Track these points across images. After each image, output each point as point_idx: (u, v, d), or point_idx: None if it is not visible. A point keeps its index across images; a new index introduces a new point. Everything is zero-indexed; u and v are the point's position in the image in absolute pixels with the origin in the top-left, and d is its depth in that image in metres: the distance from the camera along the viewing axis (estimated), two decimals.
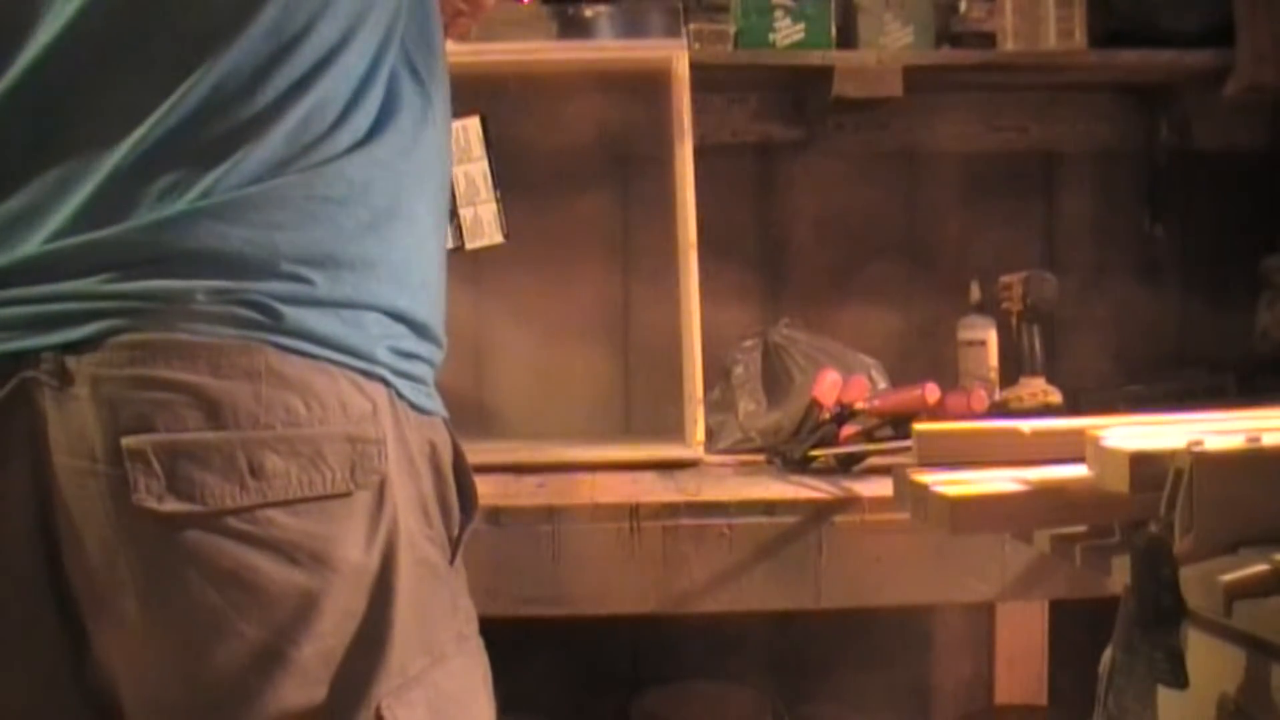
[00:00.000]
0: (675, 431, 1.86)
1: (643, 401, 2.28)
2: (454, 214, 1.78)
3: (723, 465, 1.86)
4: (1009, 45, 2.13)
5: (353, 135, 1.02)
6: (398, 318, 1.03)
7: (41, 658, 0.97)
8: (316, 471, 0.95)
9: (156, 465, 0.92)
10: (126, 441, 0.92)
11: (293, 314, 0.96)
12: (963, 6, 2.19)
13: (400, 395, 1.02)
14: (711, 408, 1.99)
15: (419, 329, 1.06)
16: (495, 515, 1.49)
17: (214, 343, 0.94)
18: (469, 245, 1.81)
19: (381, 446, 0.99)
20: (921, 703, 2.39)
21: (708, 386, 2.02)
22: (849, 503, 1.53)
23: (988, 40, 2.16)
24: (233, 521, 0.93)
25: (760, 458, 1.84)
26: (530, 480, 1.69)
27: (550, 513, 1.50)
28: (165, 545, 0.93)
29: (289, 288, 0.97)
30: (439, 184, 1.12)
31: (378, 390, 1.00)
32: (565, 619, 1.53)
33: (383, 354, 1.01)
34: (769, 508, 1.53)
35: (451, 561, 1.07)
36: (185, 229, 0.95)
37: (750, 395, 2.03)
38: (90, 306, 0.94)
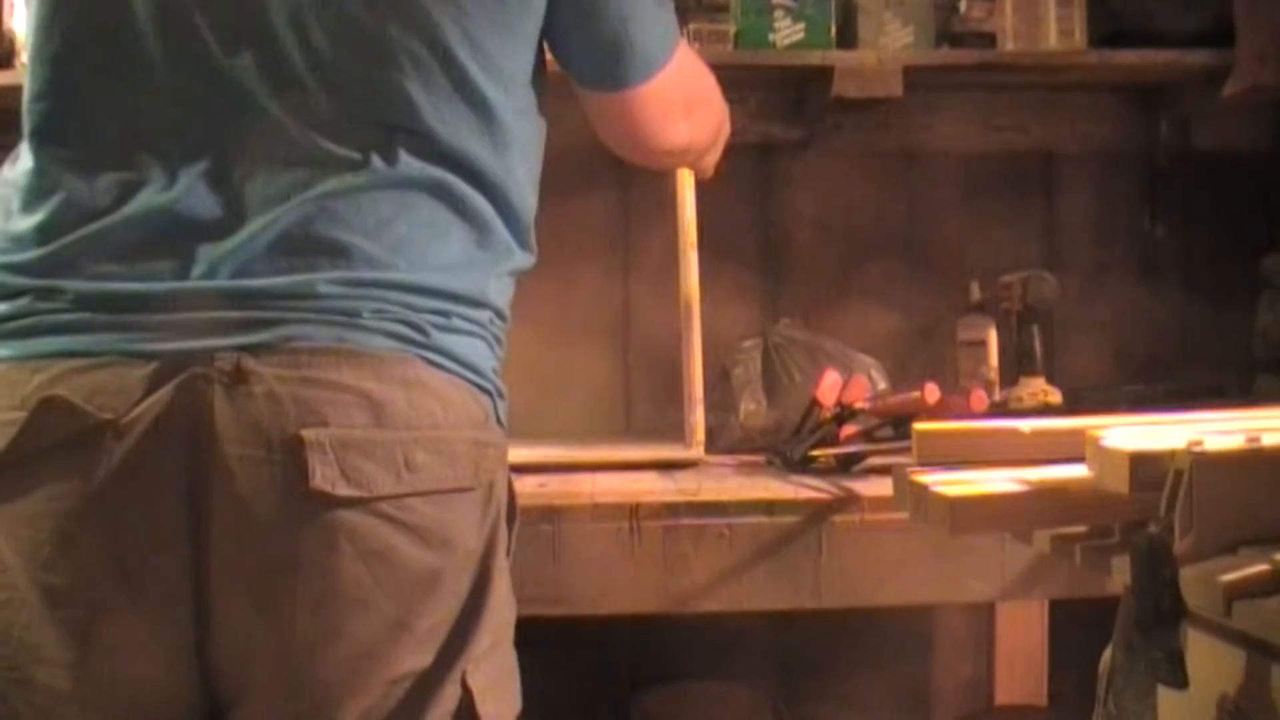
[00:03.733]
0: (675, 431, 1.86)
1: (643, 401, 2.28)
2: None
3: (723, 465, 1.86)
4: (1009, 45, 2.13)
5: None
6: (495, 344, 1.21)
7: (171, 632, 1.05)
8: (451, 467, 1.11)
9: (331, 455, 1.05)
10: (306, 434, 1.05)
11: (437, 335, 1.13)
12: (963, 6, 2.19)
13: (496, 410, 1.20)
14: (711, 408, 1.99)
15: (504, 349, 1.24)
16: None
17: (376, 354, 1.10)
18: None
19: (495, 450, 1.16)
20: (921, 703, 2.39)
21: (708, 386, 2.02)
22: (849, 503, 1.53)
23: (988, 40, 2.16)
24: (386, 507, 1.07)
25: (760, 458, 1.84)
26: (530, 480, 1.68)
27: (550, 513, 1.50)
28: (330, 524, 1.05)
29: (433, 315, 1.14)
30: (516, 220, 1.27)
31: (487, 403, 1.18)
32: (565, 619, 1.53)
33: (489, 373, 1.19)
34: (769, 508, 1.53)
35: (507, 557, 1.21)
36: (360, 261, 1.12)
37: (750, 395, 2.03)
38: (269, 315, 1.08)
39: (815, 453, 1.74)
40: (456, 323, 1.16)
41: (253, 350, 1.06)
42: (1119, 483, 0.96)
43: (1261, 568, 0.85)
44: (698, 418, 1.82)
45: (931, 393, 1.66)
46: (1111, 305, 2.37)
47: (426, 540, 1.09)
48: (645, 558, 1.50)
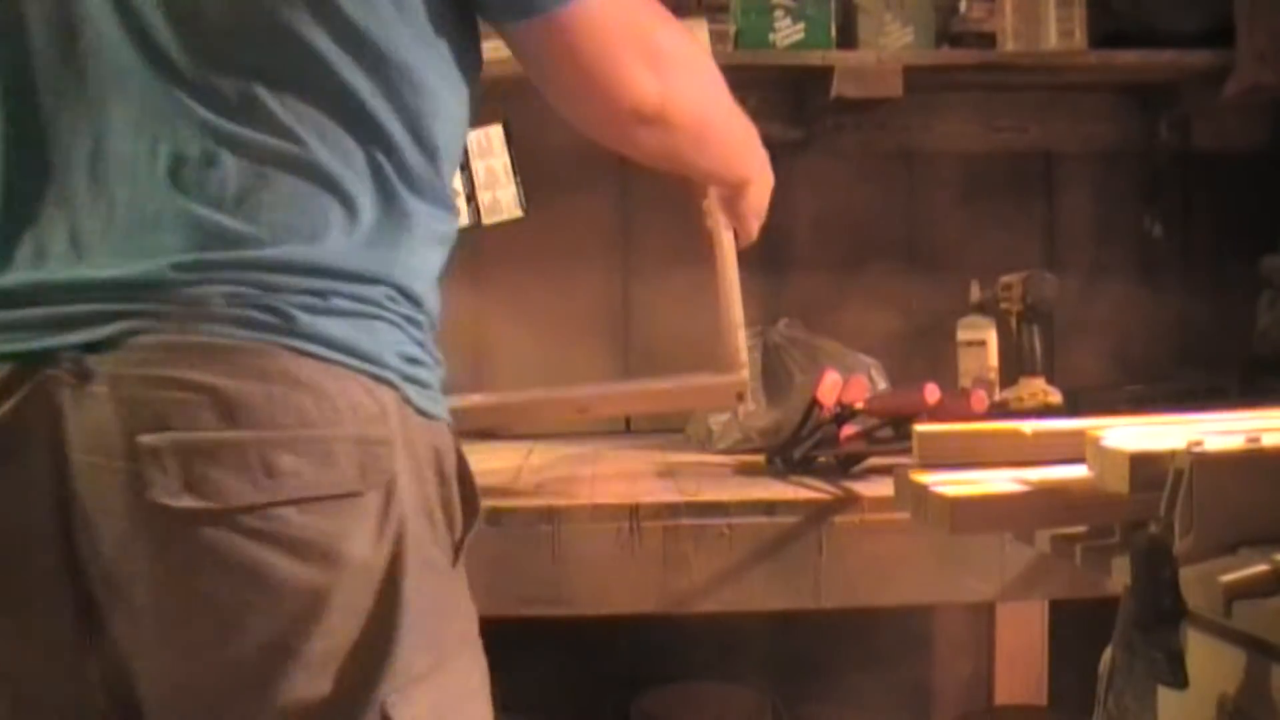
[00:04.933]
0: (675, 430, 1.85)
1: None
2: (472, 197, 1.80)
3: (722, 465, 1.86)
4: (1009, 45, 2.13)
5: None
6: (405, 324, 1.06)
7: (61, 644, 0.99)
8: (327, 471, 0.97)
9: (172, 463, 0.94)
10: (143, 440, 0.94)
11: (306, 319, 0.99)
12: (963, 6, 2.19)
13: (407, 400, 1.04)
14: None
15: (426, 335, 1.09)
16: (495, 515, 1.49)
17: (230, 344, 0.97)
18: (486, 221, 1.83)
19: (390, 448, 1.01)
20: (921, 703, 2.39)
21: None
22: (849, 503, 1.53)
23: (988, 40, 2.16)
24: (246, 519, 0.95)
25: (760, 458, 1.84)
26: (530, 480, 1.69)
27: (550, 513, 1.50)
28: (180, 541, 0.95)
29: (304, 294, 1.00)
30: (445, 196, 1.13)
31: (386, 394, 1.02)
32: (565, 619, 1.53)
33: (391, 359, 1.03)
34: (769, 508, 1.53)
35: (454, 564, 1.08)
36: (207, 235, 0.99)
37: (750, 395, 2.03)
38: (112, 308, 0.97)
39: (815, 453, 1.74)
40: (338, 304, 1.02)
41: (95, 348, 0.96)
42: (1119, 483, 0.96)
43: (1261, 568, 0.85)
44: (739, 343, 1.71)
45: (931, 393, 1.66)
46: (1111, 305, 2.37)
47: (303, 554, 0.97)
48: (645, 558, 1.50)
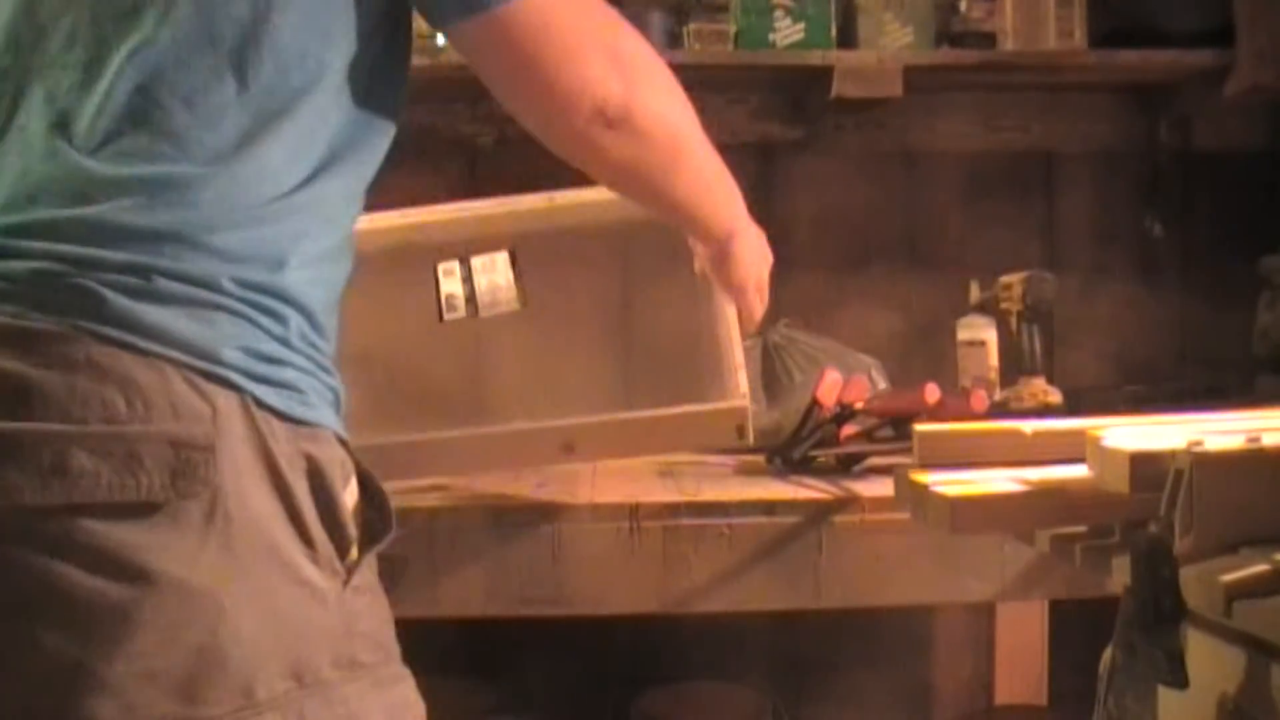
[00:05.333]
0: None
1: (643, 402, 2.27)
2: (471, 298, 1.75)
3: (723, 465, 1.86)
4: (1009, 45, 2.13)
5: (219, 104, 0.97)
6: (260, 316, 0.96)
7: None
8: (130, 475, 0.89)
9: None
10: None
11: (122, 303, 0.91)
12: (963, 6, 2.19)
13: (260, 402, 0.94)
14: None
15: (293, 331, 0.98)
16: (495, 515, 1.49)
17: (31, 327, 0.90)
18: (483, 314, 1.78)
19: (210, 455, 0.91)
20: (921, 703, 2.39)
21: None
22: (849, 503, 1.53)
23: (988, 40, 2.16)
24: (39, 525, 0.88)
25: (760, 458, 1.83)
26: (531, 479, 1.68)
27: (550, 513, 1.50)
28: None
29: (124, 278, 0.92)
30: (345, 170, 1.04)
31: (222, 394, 0.93)
32: (565, 619, 1.52)
33: (231, 354, 0.94)
34: (769, 508, 1.53)
35: (346, 582, 1.00)
36: (53, 190, 0.93)
37: (750, 395, 2.03)
38: None
39: (815, 453, 1.74)
40: (164, 287, 0.92)
41: None
42: (1119, 483, 0.96)
43: (1261, 568, 0.85)
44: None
45: (931, 393, 1.66)
46: (1111, 305, 2.37)
47: (103, 569, 0.88)
48: (645, 558, 1.50)
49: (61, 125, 0.97)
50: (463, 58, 1.07)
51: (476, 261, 1.69)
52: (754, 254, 1.43)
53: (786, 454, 1.76)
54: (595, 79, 1.06)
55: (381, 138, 1.08)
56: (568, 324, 1.72)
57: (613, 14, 1.13)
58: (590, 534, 1.50)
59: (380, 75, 1.05)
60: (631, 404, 1.55)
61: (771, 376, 2.04)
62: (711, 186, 1.31)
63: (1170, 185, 2.35)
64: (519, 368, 1.77)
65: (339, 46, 1.01)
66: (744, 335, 1.57)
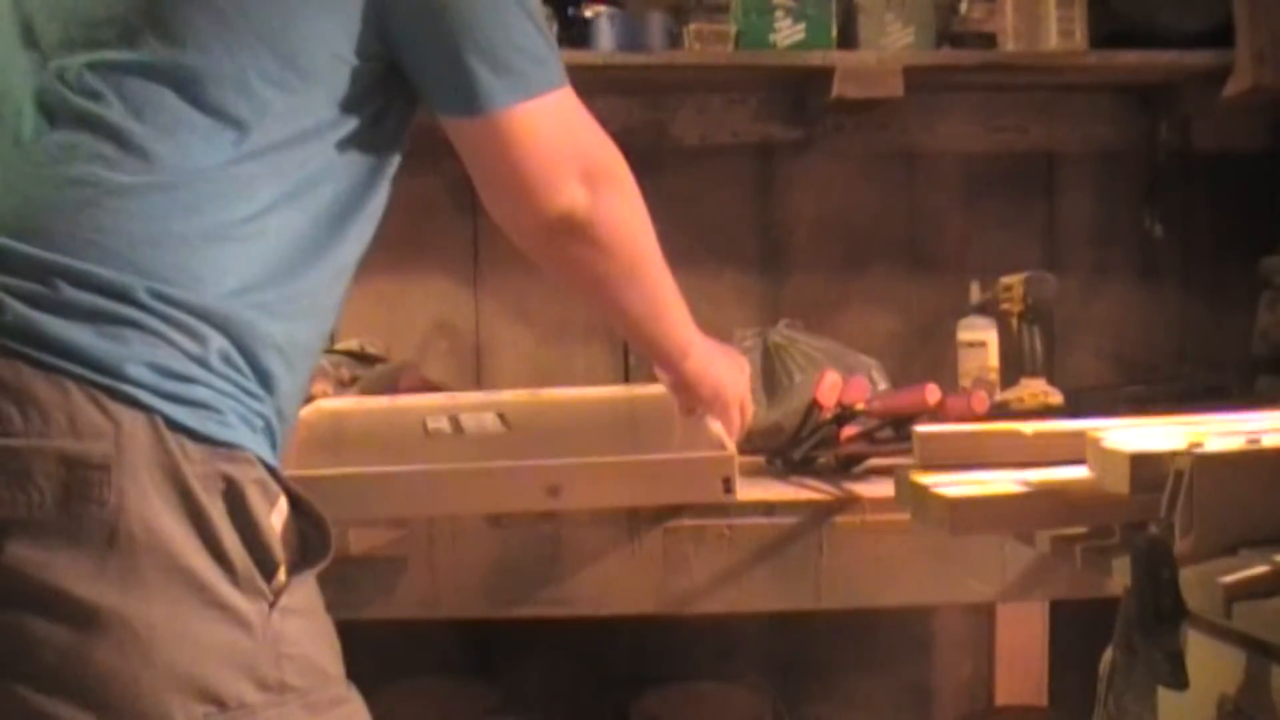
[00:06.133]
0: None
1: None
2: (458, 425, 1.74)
3: None
4: (1009, 45, 2.13)
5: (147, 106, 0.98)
6: (175, 334, 0.94)
7: None
8: (21, 491, 0.87)
9: None
10: None
11: (24, 313, 0.89)
12: (963, 7, 2.19)
13: (170, 421, 0.92)
14: None
15: (212, 351, 0.96)
16: (495, 515, 1.49)
17: None
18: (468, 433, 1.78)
19: (106, 474, 0.89)
20: (921, 703, 2.39)
21: None
22: (849, 503, 1.53)
23: (988, 40, 2.16)
24: None
25: (760, 458, 1.83)
26: None
27: (550, 513, 1.50)
28: None
29: (28, 285, 0.90)
30: (292, 187, 1.04)
31: (127, 412, 0.91)
32: (565, 619, 1.52)
33: (137, 371, 0.92)
34: (769, 508, 1.53)
35: (273, 604, 0.97)
36: None
37: (750, 396, 2.03)
38: None
39: (815, 454, 1.74)
40: (69, 296, 0.90)
41: None
42: (1119, 483, 0.96)
43: (1261, 568, 0.85)
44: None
45: (931, 393, 1.66)
46: (1111, 306, 2.37)
47: None
48: (645, 558, 1.50)
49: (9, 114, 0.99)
50: (457, 149, 1.14)
51: (465, 418, 1.70)
52: (720, 368, 1.47)
53: (786, 455, 1.76)
54: (564, 189, 1.14)
55: (361, 200, 1.10)
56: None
57: (596, 131, 1.20)
58: (590, 534, 1.50)
59: (366, 144, 1.07)
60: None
61: (771, 377, 2.04)
62: (667, 304, 1.34)
63: (1170, 186, 2.34)
64: None
65: (315, 100, 1.03)
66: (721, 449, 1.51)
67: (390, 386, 2.04)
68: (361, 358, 2.11)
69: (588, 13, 2.10)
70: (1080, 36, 2.11)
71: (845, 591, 1.52)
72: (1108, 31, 2.14)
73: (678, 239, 2.31)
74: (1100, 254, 2.38)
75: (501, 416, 1.71)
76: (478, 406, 1.76)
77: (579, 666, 2.23)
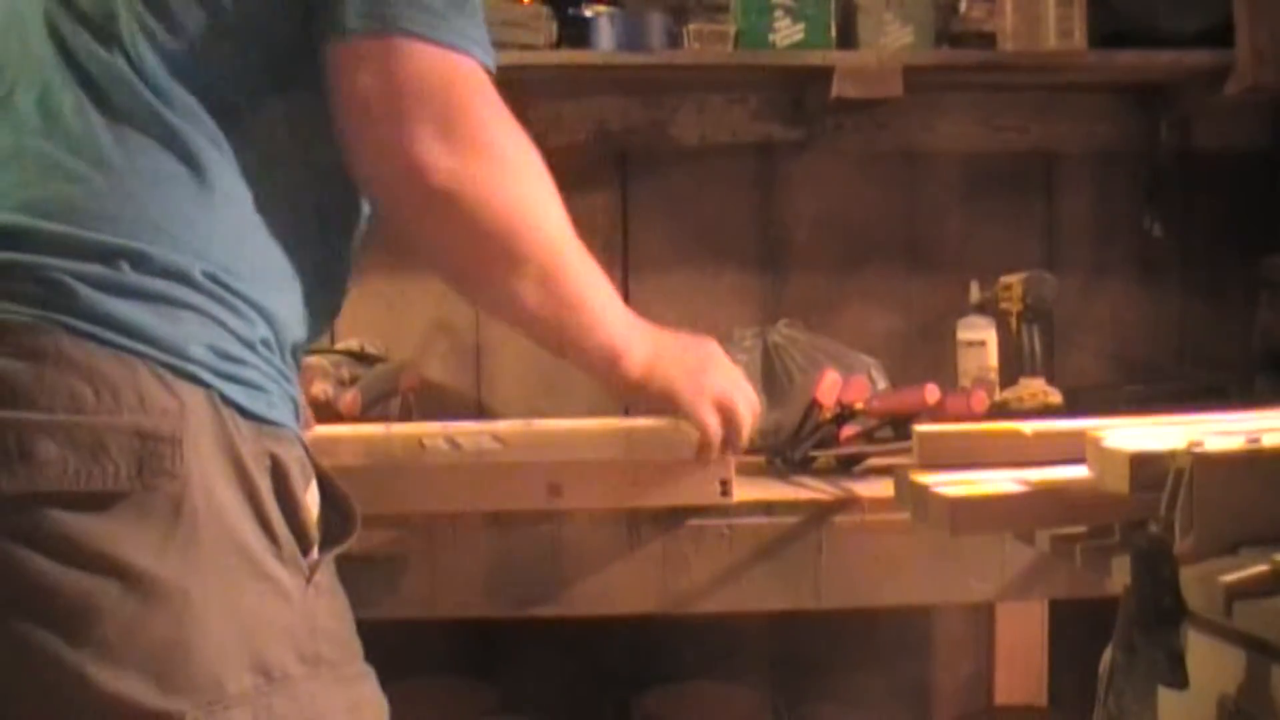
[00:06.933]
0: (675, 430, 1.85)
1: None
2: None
3: None
4: (1009, 45, 2.13)
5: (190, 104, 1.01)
6: (226, 315, 0.98)
7: None
8: (96, 464, 0.90)
9: None
10: None
11: (93, 297, 0.92)
12: (963, 6, 2.19)
13: (226, 399, 0.96)
14: None
15: (255, 334, 1.00)
16: (495, 515, 1.49)
17: (1, 319, 0.91)
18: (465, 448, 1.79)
19: (177, 447, 0.92)
20: (921, 703, 2.39)
21: None
22: (849, 503, 1.53)
23: (988, 40, 2.16)
24: (4, 514, 0.89)
25: (760, 458, 1.84)
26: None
27: (550, 513, 1.50)
28: None
29: (95, 268, 0.93)
30: (312, 179, 1.07)
31: (190, 390, 0.94)
32: (565, 619, 1.52)
33: (198, 351, 0.95)
34: (769, 508, 1.53)
35: (309, 580, 1.01)
36: (34, 185, 0.95)
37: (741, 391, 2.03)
38: None
39: (815, 453, 1.74)
40: (133, 280, 0.94)
41: None
42: (1119, 483, 0.96)
43: (1261, 568, 0.85)
44: None
45: (931, 393, 1.66)
46: (1111, 305, 2.37)
47: (69, 556, 0.89)
48: (645, 558, 1.50)
49: (48, 99, 1.00)
50: (331, 81, 1.05)
51: (462, 439, 1.71)
52: (675, 366, 1.29)
53: (786, 454, 1.76)
54: (416, 145, 1.03)
55: (350, 200, 1.10)
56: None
57: (503, 118, 1.09)
58: (590, 534, 1.50)
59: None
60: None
61: (771, 376, 2.04)
62: (579, 299, 1.18)
63: (1170, 185, 2.34)
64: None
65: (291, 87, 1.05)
66: (703, 462, 1.43)
67: (390, 386, 2.04)
68: (361, 357, 2.11)
69: (588, 13, 2.10)
70: (1080, 36, 2.11)
71: (845, 591, 1.52)
72: (1107, 31, 2.14)
73: (678, 239, 2.33)
74: (1100, 253, 2.37)
75: (497, 437, 1.72)
76: (473, 432, 1.77)
77: (579, 666, 2.23)
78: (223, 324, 0.97)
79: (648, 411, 1.25)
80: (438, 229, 1.08)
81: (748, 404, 1.36)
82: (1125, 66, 2.16)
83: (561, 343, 1.21)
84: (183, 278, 0.96)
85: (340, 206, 1.11)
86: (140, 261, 0.95)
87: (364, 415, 1.93)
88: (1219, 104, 2.15)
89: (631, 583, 1.51)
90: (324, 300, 1.10)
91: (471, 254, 1.11)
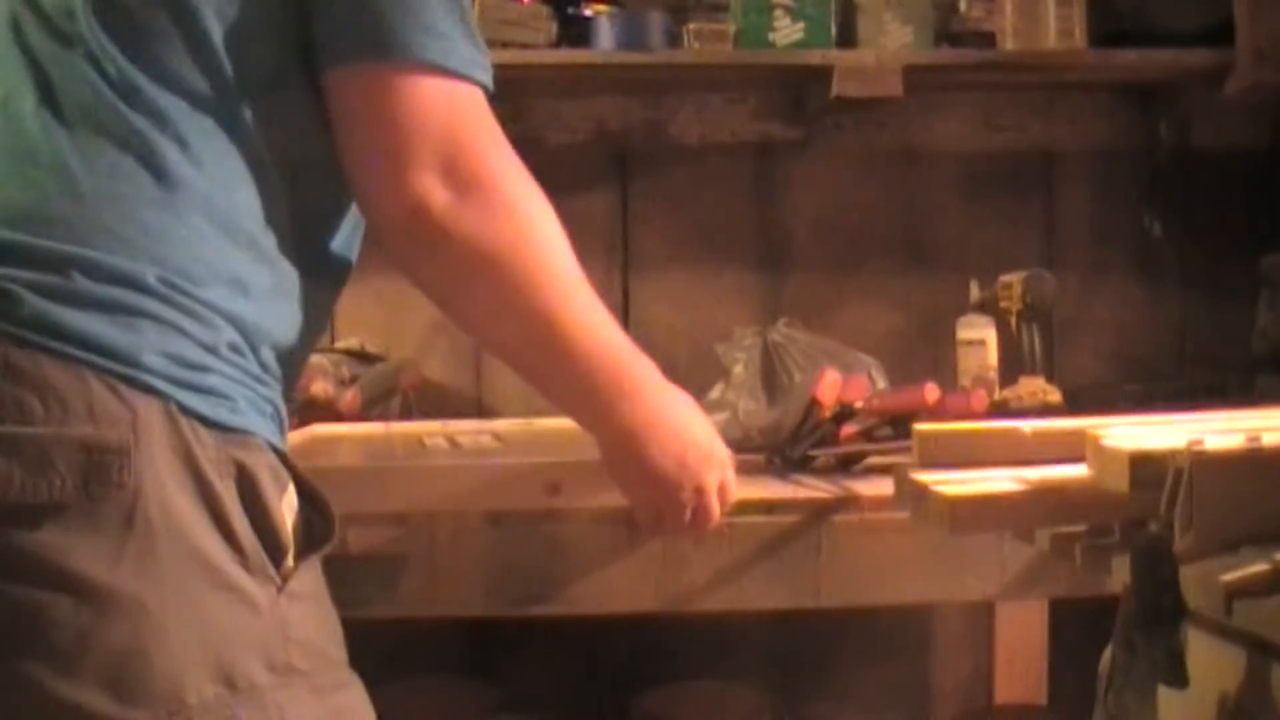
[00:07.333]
0: None
1: None
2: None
3: None
4: (1009, 45, 2.13)
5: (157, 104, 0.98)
6: (186, 320, 0.96)
7: None
8: (43, 477, 0.88)
9: None
10: None
11: (42, 306, 0.91)
12: (962, 6, 2.19)
13: (184, 408, 0.94)
14: (711, 407, 1.99)
15: (220, 338, 0.98)
16: (495, 515, 1.49)
17: None
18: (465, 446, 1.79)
19: (125, 459, 0.90)
20: (921, 702, 2.39)
21: (707, 385, 2.02)
22: (849, 502, 1.53)
23: (987, 40, 2.16)
24: None
25: (760, 457, 1.84)
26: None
27: (550, 513, 1.50)
28: None
29: (45, 277, 0.91)
30: (287, 178, 1.04)
31: (143, 399, 0.92)
32: (565, 619, 1.52)
33: (152, 360, 0.93)
34: (769, 507, 1.53)
35: (281, 589, 0.98)
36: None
37: (750, 395, 2.03)
38: None
39: (815, 452, 1.74)
40: (83, 287, 0.92)
41: None
42: (1119, 482, 0.96)
43: (1261, 567, 0.85)
44: None
45: (931, 392, 1.66)
46: (1111, 305, 2.37)
47: (17, 572, 0.88)
48: (645, 558, 1.50)
49: (11, 102, 0.98)
50: (333, 111, 1.04)
51: (462, 438, 1.71)
52: (670, 446, 1.22)
53: (786, 453, 1.76)
54: (424, 176, 1.02)
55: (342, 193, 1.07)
56: None
57: (504, 152, 1.08)
58: (590, 534, 1.50)
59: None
60: None
61: (771, 376, 2.04)
62: (585, 349, 1.14)
63: (1170, 185, 2.34)
64: None
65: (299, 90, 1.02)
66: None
67: (390, 385, 2.04)
68: (361, 357, 2.11)
69: (588, 12, 2.10)
70: (1079, 35, 2.11)
71: (845, 590, 1.52)
72: (1107, 30, 2.14)
73: (678, 238, 2.33)
74: (1099, 253, 2.38)
75: (497, 436, 1.72)
76: (472, 430, 1.77)
77: (579, 666, 2.23)
78: (181, 330, 0.95)
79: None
80: (432, 265, 1.08)
81: (726, 496, 1.28)
82: (1125, 66, 2.16)
83: (549, 388, 1.19)
84: (137, 284, 0.94)
85: (321, 205, 1.08)
86: (92, 269, 0.93)
87: (364, 414, 1.93)
88: (1219, 103, 2.15)
89: (631, 582, 1.51)
90: (313, 300, 1.07)
91: (465, 292, 1.10)
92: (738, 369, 2.06)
